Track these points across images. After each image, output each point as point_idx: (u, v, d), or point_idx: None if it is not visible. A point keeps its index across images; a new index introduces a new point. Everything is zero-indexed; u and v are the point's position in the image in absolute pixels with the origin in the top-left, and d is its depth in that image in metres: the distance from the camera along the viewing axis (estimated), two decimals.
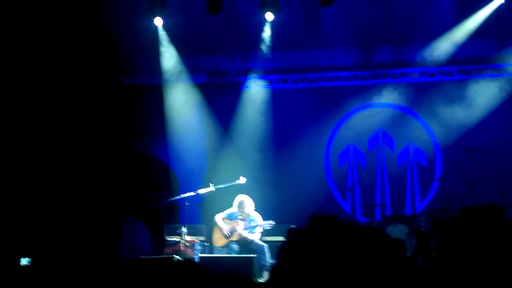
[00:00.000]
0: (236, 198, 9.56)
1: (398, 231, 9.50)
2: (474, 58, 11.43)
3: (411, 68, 11.67)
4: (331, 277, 2.00)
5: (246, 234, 9.27)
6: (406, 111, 11.74)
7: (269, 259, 9.01)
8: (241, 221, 9.39)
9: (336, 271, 2.01)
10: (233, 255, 9.03)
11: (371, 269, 2.03)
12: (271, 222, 9.33)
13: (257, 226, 9.32)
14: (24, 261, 7.18)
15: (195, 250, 9.56)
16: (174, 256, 8.59)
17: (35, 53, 10.32)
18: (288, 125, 11.87)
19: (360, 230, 2.22)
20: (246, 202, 9.47)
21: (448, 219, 8.85)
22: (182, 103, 12.03)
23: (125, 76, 12.35)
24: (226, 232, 9.35)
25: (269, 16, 10.78)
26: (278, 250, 2.27)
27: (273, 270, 2.19)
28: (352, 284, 2.00)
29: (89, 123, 11.56)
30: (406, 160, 11.69)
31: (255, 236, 9.31)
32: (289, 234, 2.35)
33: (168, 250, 9.78)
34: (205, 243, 10.06)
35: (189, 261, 2.75)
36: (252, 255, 8.75)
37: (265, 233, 9.70)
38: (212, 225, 9.73)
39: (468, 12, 10.88)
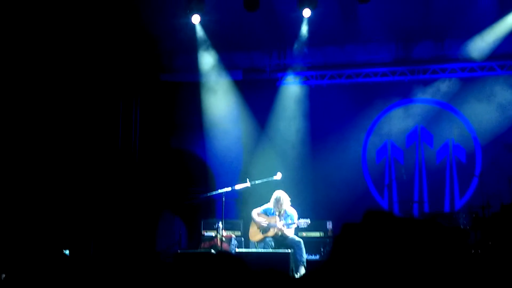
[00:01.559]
0: (273, 193, 9.59)
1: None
2: None
3: (451, 64, 11.49)
4: (391, 271, 1.97)
5: (284, 229, 9.29)
6: (445, 107, 11.56)
7: (304, 255, 9.01)
8: (278, 217, 9.41)
9: (397, 265, 1.98)
10: (269, 250, 9.06)
11: (434, 262, 2.00)
12: (307, 220, 9.31)
13: (293, 223, 9.33)
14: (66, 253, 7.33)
15: (232, 244, 9.63)
16: (211, 250, 8.65)
17: (77, 50, 10.50)
18: (325, 121, 11.80)
19: (418, 223, 2.18)
20: (283, 198, 9.49)
21: (488, 216, 8.69)
22: (219, 99, 12.08)
23: (163, 73, 12.45)
24: (264, 225, 9.37)
25: (307, 12, 10.76)
26: (332, 245, 2.24)
27: (324, 264, 2.16)
28: (413, 278, 1.97)
29: (128, 119, 11.70)
30: (445, 156, 11.51)
31: (291, 232, 9.32)
32: (345, 229, 2.32)
33: (205, 244, 9.87)
34: (241, 238, 10.12)
35: (225, 253, 2.75)
36: (288, 250, 8.76)
37: (302, 229, 9.69)
38: (248, 220, 9.78)
39: (510, 7, 10.66)
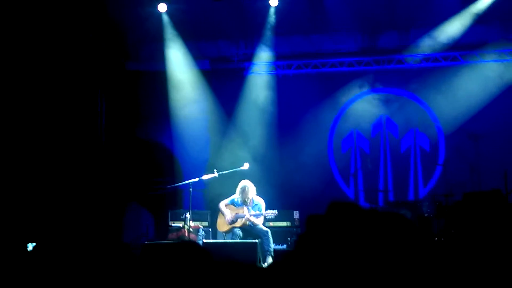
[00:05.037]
0: (239, 183, 9.62)
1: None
2: (478, 43, 11.33)
3: (415, 54, 11.60)
4: (355, 262, 2.00)
5: (252, 218, 9.33)
6: (410, 97, 11.71)
7: (272, 245, 9.08)
8: (245, 208, 9.45)
9: (360, 256, 2.00)
10: (237, 240, 9.10)
11: (396, 253, 2.03)
12: (275, 211, 9.39)
13: (261, 214, 9.38)
14: (31, 247, 7.26)
15: (199, 235, 9.64)
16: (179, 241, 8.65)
17: (39, 39, 10.31)
18: (292, 111, 11.85)
19: (381, 215, 2.21)
20: (248, 187, 9.53)
21: (451, 205, 8.85)
22: (186, 89, 12.02)
23: (129, 62, 12.32)
24: (229, 218, 9.41)
25: (274, 1, 10.77)
26: (298, 237, 2.26)
27: (290, 255, 2.18)
28: (377, 268, 1.99)
29: (93, 109, 11.56)
30: (410, 145, 11.68)
31: (259, 221, 9.37)
32: (310, 221, 2.35)
33: (172, 235, 9.86)
34: (209, 229, 10.14)
35: (191, 243, 2.76)
36: (255, 240, 8.81)
37: (269, 219, 9.74)
38: (215, 210, 9.79)
39: None
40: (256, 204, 9.49)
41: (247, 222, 9.32)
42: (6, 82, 9.97)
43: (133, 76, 12.22)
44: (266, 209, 9.45)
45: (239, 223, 9.37)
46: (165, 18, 11.42)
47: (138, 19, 11.19)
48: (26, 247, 6.98)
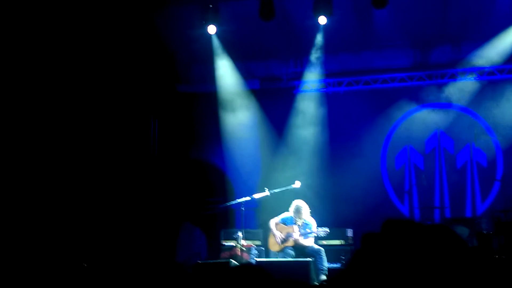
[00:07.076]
0: (293, 203, 9.56)
1: (458, 233, 9.25)
2: None
3: (469, 68, 11.37)
4: (411, 281, 1.96)
5: (301, 240, 9.24)
6: (464, 111, 11.45)
7: (326, 263, 8.96)
8: (296, 227, 9.36)
9: (417, 274, 1.96)
10: (290, 259, 9.02)
11: (454, 270, 1.98)
12: (326, 229, 9.29)
13: (311, 233, 9.29)
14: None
15: (252, 254, 9.60)
16: (231, 260, 8.63)
17: (92, 62, 10.58)
18: (343, 128, 11.76)
19: (429, 229, 2.16)
20: (302, 208, 9.45)
21: (511, 221, 8.58)
22: (237, 109, 12.11)
23: (180, 84, 12.51)
24: (279, 239, 9.34)
25: (322, 20, 10.76)
26: (353, 254, 2.24)
27: (343, 273, 2.15)
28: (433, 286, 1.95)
29: (146, 131, 11.76)
30: (466, 161, 11.39)
31: (309, 242, 9.27)
32: (365, 239, 2.31)
33: (224, 254, 9.85)
34: (261, 248, 10.09)
35: (247, 264, 2.74)
36: (308, 259, 8.71)
37: (322, 237, 9.64)
38: (267, 229, 9.75)
39: None
40: (307, 224, 9.40)
41: (298, 242, 9.25)
42: (68, 105, 10.26)
43: (185, 98, 12.40)
44: (317, 228, 9.35)
45: (290, 242, 9.30)
46: (215, 39, 11.55)
47: (188, 41, 11.35)
48: (83, 265, 7.09)
